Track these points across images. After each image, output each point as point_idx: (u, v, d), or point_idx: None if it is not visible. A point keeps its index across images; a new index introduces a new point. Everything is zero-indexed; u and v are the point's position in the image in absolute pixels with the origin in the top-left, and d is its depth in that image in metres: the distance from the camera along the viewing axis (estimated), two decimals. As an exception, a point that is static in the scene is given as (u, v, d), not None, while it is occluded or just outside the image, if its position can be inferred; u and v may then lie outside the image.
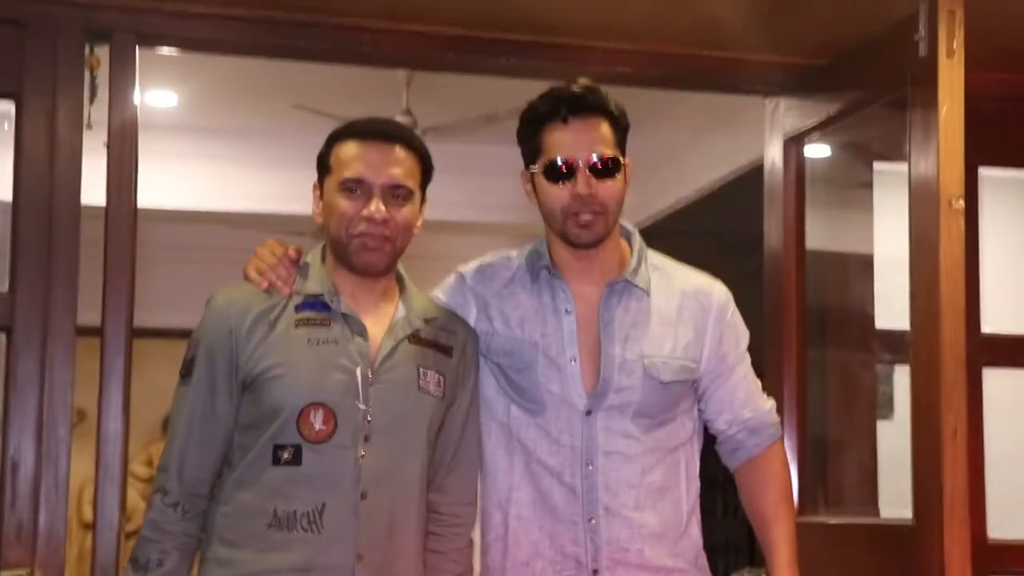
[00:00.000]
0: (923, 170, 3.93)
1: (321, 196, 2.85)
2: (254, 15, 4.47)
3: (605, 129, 2.83)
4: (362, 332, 2.77)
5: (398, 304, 2.87)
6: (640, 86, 4.65)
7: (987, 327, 4.78)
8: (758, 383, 3.10)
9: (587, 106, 2.82)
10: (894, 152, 4.17)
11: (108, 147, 4.34)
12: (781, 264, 4.77)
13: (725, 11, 4.32)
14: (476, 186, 6.04)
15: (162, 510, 2.75)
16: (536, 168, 2.86)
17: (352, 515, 2.67)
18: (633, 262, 2.93)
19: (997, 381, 4.83)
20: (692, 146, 6.83)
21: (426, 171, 2.86)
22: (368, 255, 2.75)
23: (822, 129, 4.65)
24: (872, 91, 4.28)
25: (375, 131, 2.81)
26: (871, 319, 4.82)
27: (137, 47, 4.42)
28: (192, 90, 6.87)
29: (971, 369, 4.42)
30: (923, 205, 3.93)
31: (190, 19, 4.48)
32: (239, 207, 7.34)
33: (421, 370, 2.80)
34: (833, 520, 4.49)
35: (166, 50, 4.72)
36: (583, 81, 2.87)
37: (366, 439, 2.71)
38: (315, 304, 2.78)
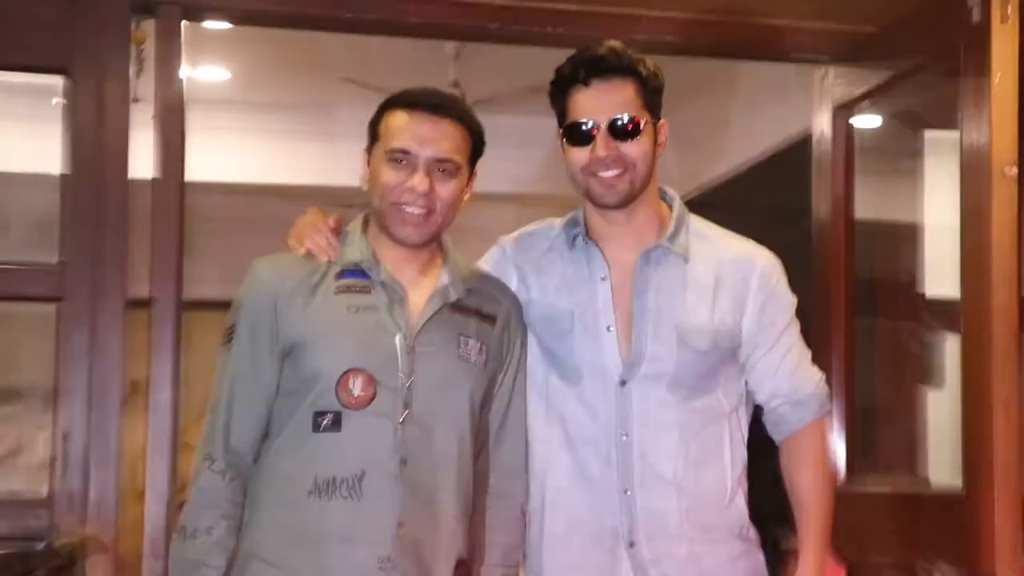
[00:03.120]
0: (975, 138, 3.89)
1: (368, 163, 2.81)
2: None
3: (629, 90, 2.80)
4: (401, 300, 2.74)
5: (441, 273, 2.83)
6: (687, 55, 4.63)
7: None
8: (806, 354, 3.05)
9: (608, 67, 2.80)
10: (946, 120, 4.12)
11: (155, 120, 4.34)
12: (830, 234, 4.74)
13: None
14: (524, 157, 6.04)
15: (209, 478, 2.74)
16: (563, 133, 2.84)
17: (392, 482, 2.64)
18: (671, 227, 2.90)
19: None
20: (741, 116, 6.80)
21: (476, 146, 2.83)
22: (406, 228, 2.73)
23: (872, 98, 4.62)
24: (923, 58, 4.25)
25: (426, 103, 2.76)
26: (920, 288, 4.78)
27: (183, 21, 4.41)
28: (243, 65, 6.91)
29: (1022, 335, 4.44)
30: (975, 173, 3.90)
31: None
32: (289, 180, 7.39)
33: (462, 338, 2.77)
34: (882, 489, 4.47)
35: (211, 24, 4.71)
36: (610, 43, 2.83)
37: (406, 405, 2.67)
38: (355, 272, 2.76)
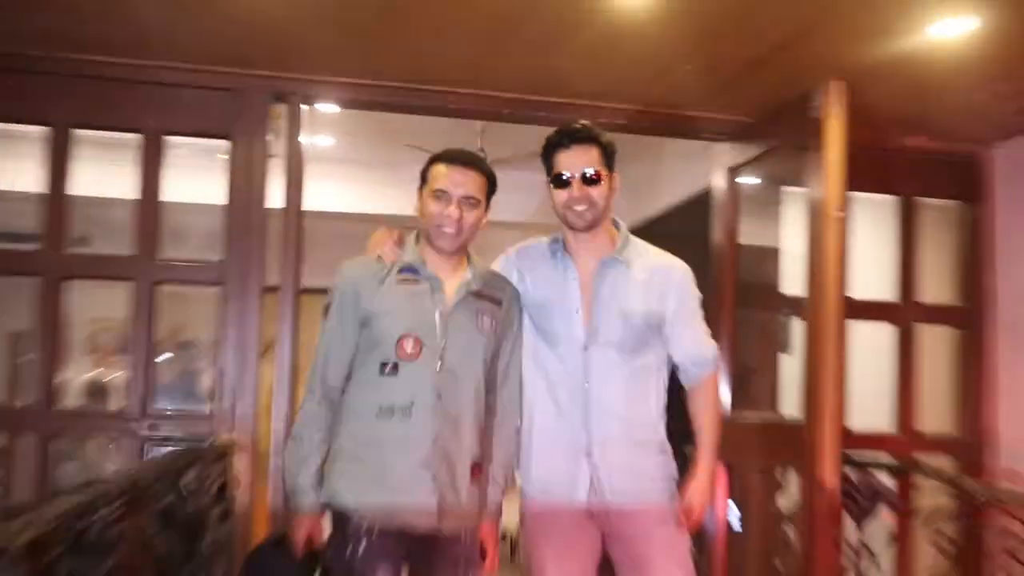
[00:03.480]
0: (815, 191, 4.06)
1: (420, 198, 2.98)
2: (378, 84, 4.64)
3: (595, 153, 2.96)
4: (440, 288, 2.91)
5: (466, 271, 2.98)
6: (632, 132, 4.68)
7: (854, 294, 4.76)
8: (706, 331, 3.17)
9: (581, 137, 2.96)
10: (797, 179, 4.26)
11: (284, 170, 4.57)
12: (723, 254, 4.90)
13: (688, 84, 4.44)
14: (526, 199, 6.18)
15: (311, 405, 2.93)
16: (550, 180, 2.99)
17: (431, 408, 2.83)
18: (620, 244, 3.06)
19: (859, 328, 4.87)
20: (668, 174, 6.85)
21: (491, 187, 2.97)
22: (444, 241, 2.90)
23: (751, 164, 4.77)
24: (784, 139, 4.41)
25: (459, 159, 2.92)
26: (780, 289, 4.93)
27: (302, 105, 4.62)
28: (343, 135, 7.10)
29: (842, 319, 4.57)
30: (816, 215, 4.06)
31: (336, 87, 4.67)
32: (368, 210, 7.52)
33: (479, 315, 2.94)
34: (752, 419, 4.65)
35: (321, 107, 4.82)
36: (582, 122, 3.01)
37: (442, 358, 2.85)
38: (410, 269, 2.92)
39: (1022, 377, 4.97)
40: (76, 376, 6.36)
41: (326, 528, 2.94)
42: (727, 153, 4.96)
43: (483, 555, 3.02)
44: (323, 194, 7.23)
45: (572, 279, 3.06)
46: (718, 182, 5.01)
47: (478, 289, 2.98)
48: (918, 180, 5.20)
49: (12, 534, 2.49)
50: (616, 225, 3.14)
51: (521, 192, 5.33)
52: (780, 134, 4.47)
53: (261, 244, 4.53)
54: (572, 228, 3.04)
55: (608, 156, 3.02)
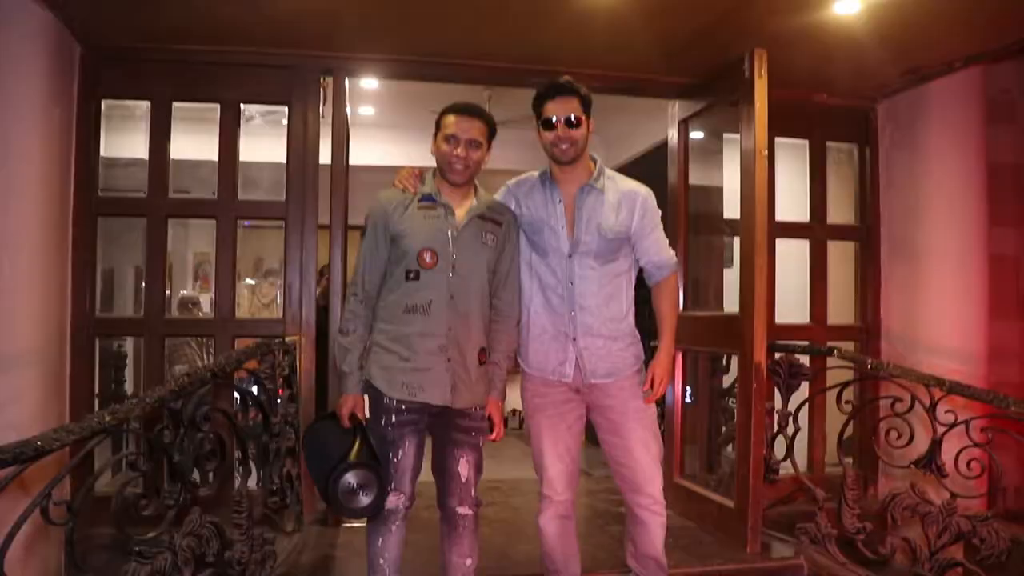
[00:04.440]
0: (747, 135, 4.03)
1: (435, 142, 2.92)
2: (407, 58, 4.58)
3: (575, 102, 2.93)
4: (452, 212, 2.89)
5: (473, 200, 2.96)
6: (603, 93, 4.39)
7: (779, 217, 4.91)
8: (666, 240, 3.15)
9: (564, 90, 2.93)
10: (733, 128, 4.23)
11: (332, 131, 4.51)
12: (677, 191, 4.85)
13: (647, 53, 4.40)
14: (525, 150, 6.13)
15: (355, 304, 2.94)
16: (540, 124, 2.96)
17: (445, 306, 2.84)
18: (595, 174, 3.04)
19: (782, 245, 4.97)
20: (635, 129, 6.85)
21: (491, 132, 2.94)
22: (455, 175, 2.88)
23: (698, 116, 4.71)
24: (722, 95, 4.34)
25: (464, 109, 2.89)
26: (721, 213, 4.92)
27: (347, 78, 4.58)
28: (381, 105, 7.07)
29: (769, 239, 4.59)
30: (747, 154, 4.03)
31: (374, 62, 4.60)
32: (399, 162, 7.55)
33: (483, 232, 2.92)
34: (702, 314, 4.63)
35: (363, 80, 4.81)
36: (566, 77, 2.98)
37: (453, 267, 2.86)
38: (428, 198, 2.90)
39: (899, 279, 5.05)
40: (175, 295, 6.40)
41: (367, 405, 2.97)
42: (679, 109, 4.89)
43: (492, 427, 3.03)
44: (366, 152, 7.30)
45: (557, 202, 3.04)
46: (672, 134, 4.95)
47: (482, 213, 2.95)
48: (825, 128, 5.21)
49: (126, 411, 2.59)
50: (593, 160, 3.11)
51: (521, 145, 5.30)
52: (720, 91, 4.40)
53: (314, 189, 4.53)
54: (557, 162, 3.02)
55: (586, 105, 2.99)
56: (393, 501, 2.90)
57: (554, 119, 2.94)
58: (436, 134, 2.92)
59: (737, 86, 4.13)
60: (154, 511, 2.84)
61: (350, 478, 2.85)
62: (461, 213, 2.92)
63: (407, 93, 6.37)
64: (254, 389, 3.90)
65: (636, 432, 3.03)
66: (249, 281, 8.60)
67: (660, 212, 3.15)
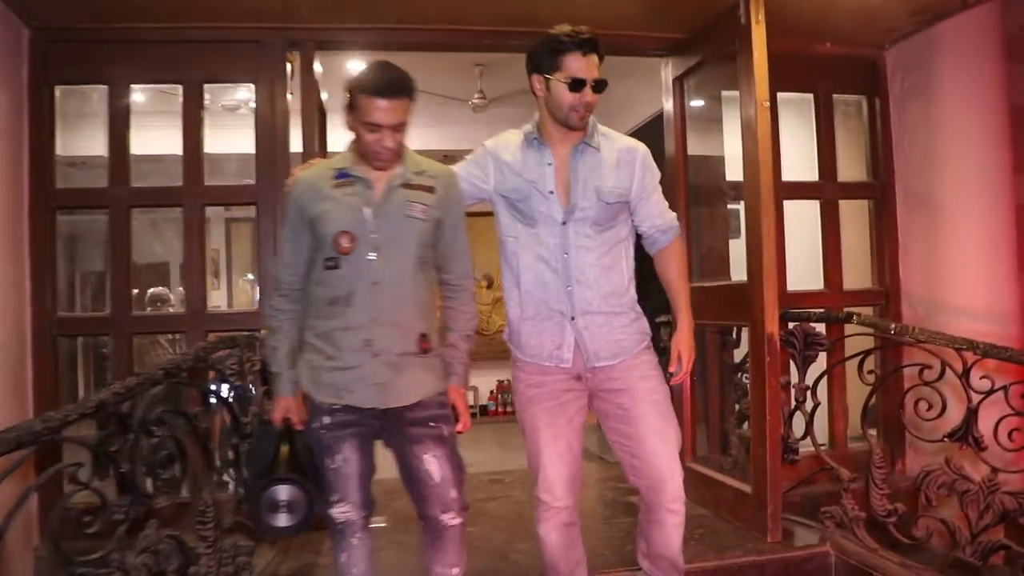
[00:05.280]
0: (746, 88, 3.65)
1: (350, 118, 2.44)
2: (378, 26, 4.21)
3: (597, 61, 2.57)
4: (370, 186, 2.47)
5: (398, 167, 2.50)
6: None
7: (785, 177, 4.55)
8: (665, 203, 2.78)
9: (595, 47, 2.54)
10: (732, 84, 3.83)
11: (303, 112, 4.17)
12: (674, 156, 4.47)
13: (635, 6, 4.07)
14: (509, 123, 5.84)
15: (276, 298, 2.60)
16: (559, 78, 2.53)
17: (368, 295, 2.44)
18: (590, 131, 2.64)
19: (791, 207, 4.63)
20: (635, 97, 6.50)
21: (413, 99, 2.43)
22: (382, 164, 2.45)
23: (693, 74, 4.34)
24: (718, 47, 3.95)
25: (385, 91, 2.36)
26: (724, 179, 4.56)
27: (316, 51, 4.19)
28: None
29: (776, 200, 4.25)
30: (748, 105, 3.65)
31: (344, 32, 4.23)
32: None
33: (408, 203, 2.47)
34: (710, 284, 4.25)
35: (333, 53, 4.44)
36: (591, 31, 2.56)
37: (375, 249, 2.44)
38: (344, 174, 2.49)
39: (918, 236, 4.64)
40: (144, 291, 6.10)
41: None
42: (673, 66, 4.49)
43: (456, 412, 2.60)
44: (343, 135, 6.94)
45: (548, 164, 2.63)
46: (666, 93, 4.55)
47: (406, 181, 2.50)
48: (830, 79, 4.74)
49: (61, 419, 2.33)
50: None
51: (514, 124, 4.95)
52: (715, 42, 4.00)
53: (287, 171, 4.07)
54: (567, 126, 2.61)
55: (601, 63, 2.62)
56: (342, 513, 2.51)
57: (585, 80, 2.53)
58: (351, 110, 2.43)
59: (733, 36, 3.73)
60: (102, 527, 2.55)
61: (274, 493, 2.50)
62: (381, 184, 2.49)
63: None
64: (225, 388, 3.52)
65: (649, 419, 2.61)
66: (249, 276, 8.27)
67: (659, 174, 2.78)
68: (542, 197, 2.62)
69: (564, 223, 2.61)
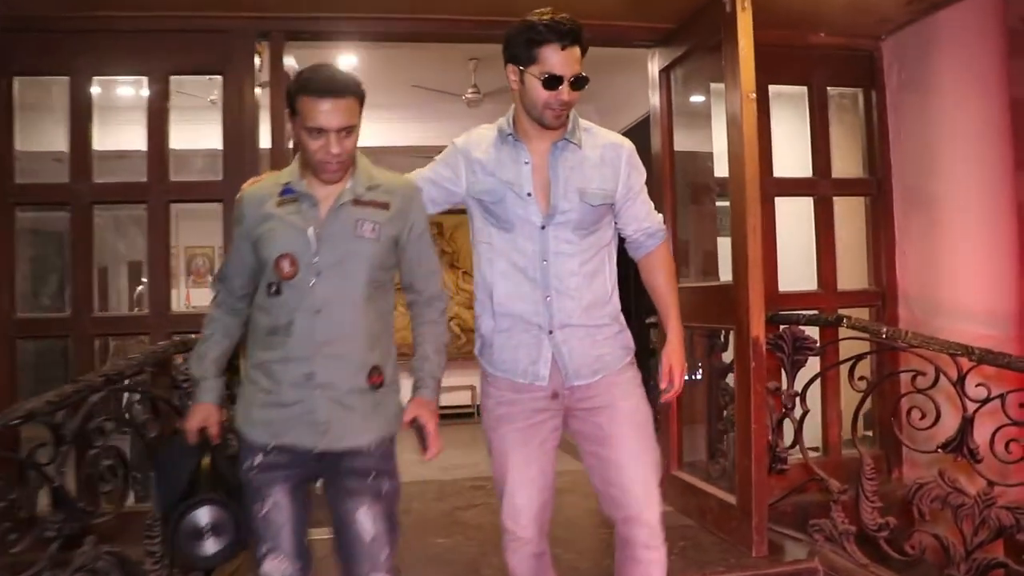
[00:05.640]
0: (731, 78, 3.44)
1: (293, 127, 2.18)
2: (348, 16, 4.02)
3: (578, 55, 2.25)
4: (314, 204, 2.19)
5: (347, 181, 2.21)
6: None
7: (779, 173, 4.38)
8: (651, 204, 2.53)
9: (576, 38, 2.24)
10: (720, 76, 3.59)
11: (272, 107, 3.93)
12: (660, 150, 4.26)
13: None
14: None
15: (211, 308, 2.36)
16: (533, 72, 2.24)
17: (311, 323, 2.13)
18: (571, 127, 2.36)
19: (785, 204, 4.43)
20: (626, 98, 6.36)
21: (362, 101, 2.18)
22: (329, 176, 2.16)
23: (680, 65, 4.12)
24: (704, 36, 3.74)
25: (329, 90, 2.10)
26: (712, 176, 4.36)
27: (286, 41, 3.98)
28: (369, 84, 6.42)
29: (767, 197, 4.08)
30: (733, 97, 3.44)
31: (314, 21, 4.02)
32: (384, 144, 7.08)
33: (358, 222, 2.19)
34: (696, 284, 4.06)
35: (310, 45, 4.23)
36: (572, 20, 2.25)
37: (318, 274, 2.14)
38: (288, 190, 2.20)
39: (915, 235, 4.42)
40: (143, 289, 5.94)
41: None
42: (659, 58, 4.27)
43: (424, 433, 2.27)
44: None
45: (524, 163, 2.36)
46: (653, 85, 4.33)
47: (357, 197, 2.22)
48: (824, 71, 4.52)
49: None
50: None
51: (499, 113, 4.77)
52: (700, 32, 3.79)
53: (255, 165, 3.92)
54: (541, 124, 2.33)
55: (584, 56, 2.32)
56: (273, 567, 2.18)
57: (560, 76, 2.24)
58: (292, 115, 2.17)
59: (718, 24, 3.52)
60: (29, 545, 2.40)
61: (196, 517, 2.21)
62: (328, 201, 2.22)
63: (386, 67, 5.85)
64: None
65: (627, 442, 2.35)
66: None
67: (645, 171, 2.53)
68: (519, 199, 2.37)
69: (543, 227, 2.36)
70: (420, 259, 2.35)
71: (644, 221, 2.50)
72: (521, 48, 2.28)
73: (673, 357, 2.45)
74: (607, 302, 2.43)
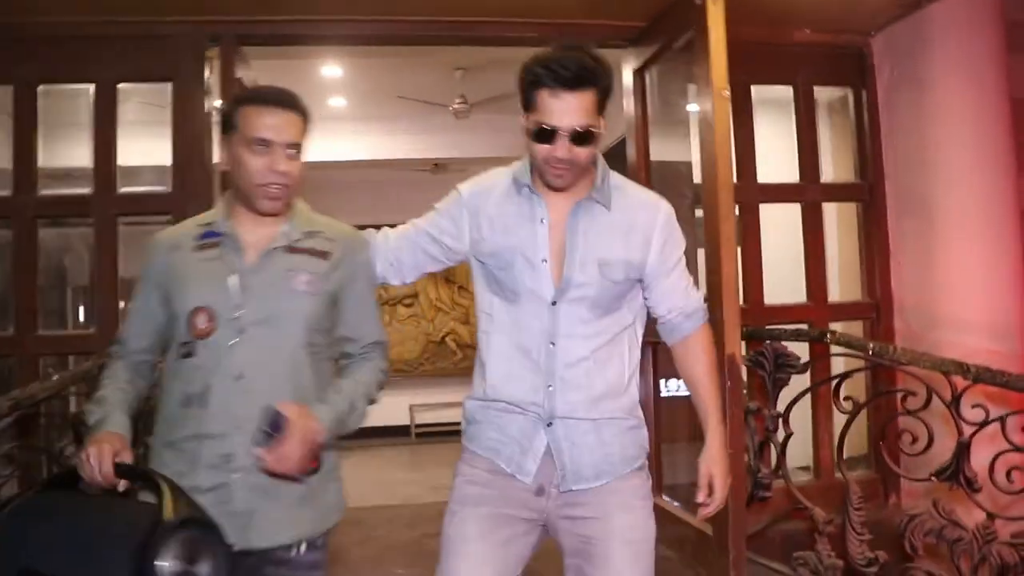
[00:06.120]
0: (702, 75, 3.17)
1: (228, 150, 1.88)
2: (306, 18, 3.82)
3: (590, 100, 1.81)
4: (239, 248, 1.86)
5: (282, 224, 1.90)
6: (540, 45, 3.91)
7: (767, 179, 4.14)
8: (691, 279, 2.09)
9: (585, 82, 1.79)
10: (689, 76, 3.37)
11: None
12: (635, 156, 4.06)
13: None
14: (503, 138, 5.42)
15: (113, 361, 1.94)
16: (528, 123, 1.85)
17: (231, 392, 1.78)
18: (598, 182, 1.94)
19: (771, 211, 4.19)
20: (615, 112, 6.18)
21: (307, 122, 1.89)
22: (271, 204, 1.85)
23: (653, 61, 3.88)
24: (675, 34, 3.52)
25: (279, 99, 1.84)
26: (691, 177, 4.01)
27: (239, 46, 3.79)
28: (355, 96, 6.27)
29: (751, 205, 3.80)
30: (704, 94, 3.17)
31: (267, 24, 3.82)
32: (370, 157, 6.96)
33: (291, 273, 1.86)
34: None
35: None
36: (580, 56, 1.79)
37: (240, 332, 1.80)
38: (211, 232, 1.89)
39: (911, 242, 4.14)
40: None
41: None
42: (633, 58, 4.03)
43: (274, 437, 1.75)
44: (339, 147, 6.58)
45: (540, 222, 1.95)
46: (627, 87, 4.07)
47: (292, 243, 1.90)
48: (811, 70, 4.27)
49: None
50: (594, 160, 1.98)
51: (501, 132, 4.54)
52: (670, 29, 3.55)
53: (207, 177, 3.72)
54: (548, 186, 1.94)
55: (605, 99, 1.87)
56: None
57: (554, 128, 1.83)
58: (227, 135, 1.87)
59: (690, 18, 3.26)
60: None
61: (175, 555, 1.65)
62: (257, 246, 1.89)
63: (371, 78, 5.69)
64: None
65: (619, 565, 1.90)
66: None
67: (684, 239, 2.09)
68: (529, 266, 1.95)
69: (554, 303, 1.94)
70: (360, 309, 2.01)
71: (680, 299, 2.07)
72: (523, 90, 1.88)
73: (715, 466, 2.03)
74: (622, 392, 2.01)
